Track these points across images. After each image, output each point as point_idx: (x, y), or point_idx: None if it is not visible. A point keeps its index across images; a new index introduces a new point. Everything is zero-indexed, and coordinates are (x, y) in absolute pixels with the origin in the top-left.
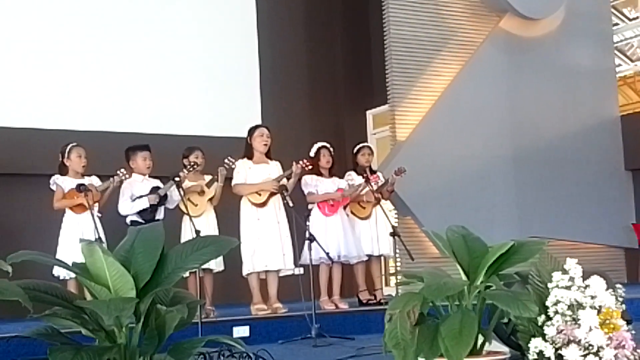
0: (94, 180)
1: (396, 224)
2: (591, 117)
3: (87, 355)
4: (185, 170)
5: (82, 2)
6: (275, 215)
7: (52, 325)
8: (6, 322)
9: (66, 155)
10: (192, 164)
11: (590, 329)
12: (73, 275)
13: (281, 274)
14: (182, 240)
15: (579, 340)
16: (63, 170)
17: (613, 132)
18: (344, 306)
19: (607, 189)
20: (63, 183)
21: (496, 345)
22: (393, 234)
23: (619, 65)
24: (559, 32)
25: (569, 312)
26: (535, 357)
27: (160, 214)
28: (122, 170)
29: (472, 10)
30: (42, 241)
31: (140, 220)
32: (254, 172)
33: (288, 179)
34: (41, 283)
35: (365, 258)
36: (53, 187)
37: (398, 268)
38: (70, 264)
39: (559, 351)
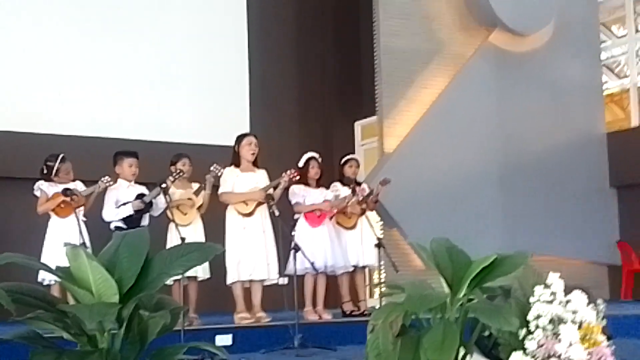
0: (78, 186)
1: (381, 235)
2: (578, 133)
3: (69, 359)
4: (171, 178)
5: (73, 9)
6: (261, 225)
7: (34, 328)
8: None
9: (54, 172)
10: (178, 171)
11: (571, 344)
12: (57, 280)
13: (265, 284)
14: (168, 247)
15: (560, 355)
16: (47, 177)
17: (599, 148)
18: (327, 317)
19: (592, 205)
20: (47, 189)
21: (477, 358)
22: (378, 245)
23: (607, 82)
24: (547, 48)
25: (550, 327)
26: None
27: (145, 221)
28: (107, 177)
29: (462, 24)
30: (26, 245)
31: (124, 226)
32: (241, 181)
33: (275, 188)
34: (24, 286)
35: (352, 268)
36: (37, 193)
37: (382, 279)
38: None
39: None
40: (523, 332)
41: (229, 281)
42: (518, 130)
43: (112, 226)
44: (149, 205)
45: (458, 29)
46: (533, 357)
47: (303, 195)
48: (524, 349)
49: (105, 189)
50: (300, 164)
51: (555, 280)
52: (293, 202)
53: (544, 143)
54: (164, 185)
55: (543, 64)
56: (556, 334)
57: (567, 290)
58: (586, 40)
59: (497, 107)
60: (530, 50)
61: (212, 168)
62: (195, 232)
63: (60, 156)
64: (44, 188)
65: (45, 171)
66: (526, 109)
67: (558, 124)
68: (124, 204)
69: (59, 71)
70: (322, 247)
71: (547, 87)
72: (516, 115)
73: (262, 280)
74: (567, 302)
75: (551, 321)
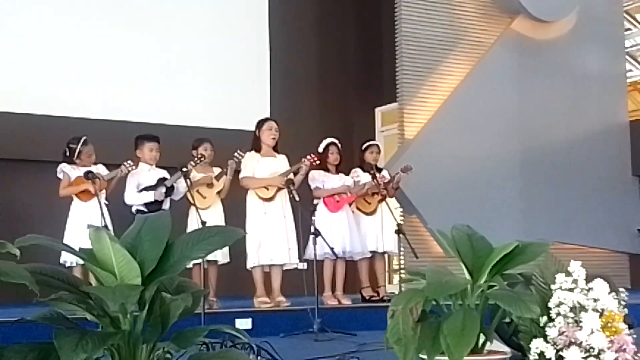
0: (100, 169)
1: (401, 222)
2: (600, 122)
3: (92, 340)
4: (192, 162)
5: None
6: (281, 210)
7: (57, 310)
8: (11, 307)
9: (76, 155)
10: (200, 156)
11: (592, 332)
12: (79, 262)
13: (285, 268)
14: (188, 231)
15: (580, 343)
16: (69, 159)
17: (621, 137)
18: (346, 302)
19: (613, 194)
20: (70, 172)
21: (497, 345)
22: (398, 231)
23: (630, 70)
24: (570, 36)
25: (571, 314)
26: (536, 357)
27: (166, 204)
28: (129, 161)
29: (484, 11)
30: (49, 228)
31: (145, 209)
32: (262, 165)
33: (295, 173)
34: (48, 267)
35: (369, 254)
36: (60, 176)
37: (402, 265)
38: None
39: (560, 352)
40: (544, 319)
41: (249, 265)
42: (539, 118)
43: (133, 209)
44: (171, 190)
45: (480, 16)
46: (554, 344)
47: (322, 180)
48: (545, 336)
49: (128, 174)
50: (320, 149)
51: (576, 268)
52: (313, 187)
53: (565, 131)
54: (185, 170)
55: (565, 52)
56: (577, 322)
57: (589, 279)
58: (610, 28)
59: (519, 95)
60: (552, 38)
61: (235, 154)
62: (215, 215)
63: (83, 139)
64: (67, 171)
65: (67, 154)
66: (548, 97)
67: (580, 113)
68: (146, 188)
69: (79, 54)
70: (340, 232)
71: (569, 76)
72: (537, 104)
73: (282, 265)
74: (589, 290)
75: (572, 309)
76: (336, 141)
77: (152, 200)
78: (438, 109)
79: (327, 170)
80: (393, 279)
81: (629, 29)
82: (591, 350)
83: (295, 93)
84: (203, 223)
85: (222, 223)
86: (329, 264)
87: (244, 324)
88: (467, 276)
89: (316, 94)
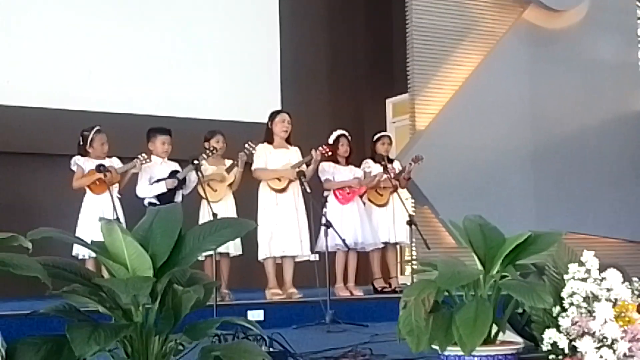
0: (114, 162)
1: (413, 213)
2: (613, 112)
3: (105, 332)
4: (204, 155)
5: None
6: (293, 202)
7: (70, 302)
8: (23, 299)
9: (89, 143)
10: (212, 148)
11: (605, 322)
12: (91, 254)
13: (297, 260)
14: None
15: (594, 332)
16: (84, 152)
17: (635, 126)
18: (358, 293)
19: (626, 183)
20: (84, 164)
21: (510, 335)
22: (410, 222)
23: None
24: (582, 25)
25: (584, 304)
26: (549, 348)
27: (178, 197)
28: (143, 154)
29: (495, 1)
30: (62, 221)
31: (157, 202)
32: (274, 157)
33: (307, 165)
34: (60, 260)
35: (381, 245)
36: (73, 168)
37: (413, 257)
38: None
39: (573, 342)
40: (557, 309)
41: (261, 257)
42: (552, 108)
43: (145, 202)
44: (182, 182)
45: (491, 6)
46: (567, 334)
47: (332, 172)
48: (558, 327)
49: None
50: (330, 140)
51: (589, 257)
52: (323, 179)
53: (577, 121)
54: (196, 162)
55: (578, 41)
56: (590, 312)
57: (602, 268)
58: (622, 16)
59: (530, 85)
60: (564, 27)
61: (246, 145)
62: (226, 208)
63: (96, 128)
64: (80, 163)
65: (81, 142)
66: (560, 87)
67: (592, 102)
68: (157, 181)
69: (91, 47)
70: (351, 224)
71: (581, 65)
72: (550, 94)
73: (294, 257)
74: (602, 279)
75: (585, 299)
76: (346, 133)
77: (164, 191)
78: (449, 100)
79: (337, 162)
80: (405, 270)
81: None
82: (604, 340)
83: (306, 85)
84: (214, 215)
85: (234, 215)
86: (340, 255)
87: (256, 315)
88: (480, 267)
89: (327, 86)
